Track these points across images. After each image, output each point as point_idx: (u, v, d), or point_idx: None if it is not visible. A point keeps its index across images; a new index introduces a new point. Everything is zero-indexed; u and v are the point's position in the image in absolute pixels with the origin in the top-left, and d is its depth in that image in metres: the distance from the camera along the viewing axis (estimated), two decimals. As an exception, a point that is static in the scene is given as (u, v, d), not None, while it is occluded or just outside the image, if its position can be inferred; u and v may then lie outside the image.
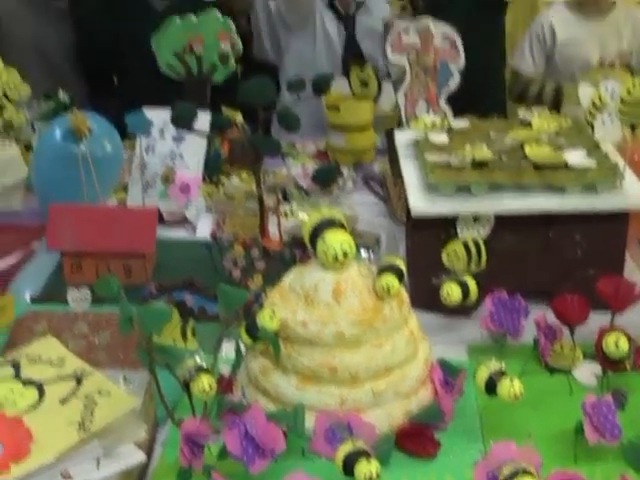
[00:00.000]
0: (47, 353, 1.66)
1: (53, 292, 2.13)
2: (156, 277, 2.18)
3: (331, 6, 3.56)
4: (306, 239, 1.63)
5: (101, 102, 3.21)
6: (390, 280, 1.59)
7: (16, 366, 1.59)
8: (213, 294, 2.04)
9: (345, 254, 1.58)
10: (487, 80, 3.40)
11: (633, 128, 2.06)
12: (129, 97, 3.13)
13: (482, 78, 3.23)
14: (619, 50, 3.62)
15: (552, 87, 3.50)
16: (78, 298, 1.95)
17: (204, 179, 2.69)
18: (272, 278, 1.88)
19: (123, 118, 2.50)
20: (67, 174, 2.36)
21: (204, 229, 2.49)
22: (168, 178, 2.60)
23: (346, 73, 2.96)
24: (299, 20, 3.56)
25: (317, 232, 1.60)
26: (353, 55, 3.41)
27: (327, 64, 3.49)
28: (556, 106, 3.35)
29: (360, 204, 2.68)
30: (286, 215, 2.48)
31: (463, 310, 1.96)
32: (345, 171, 2.80)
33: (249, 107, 2.36)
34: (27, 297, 2.12)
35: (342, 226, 1.62)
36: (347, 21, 3.57)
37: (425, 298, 1.92)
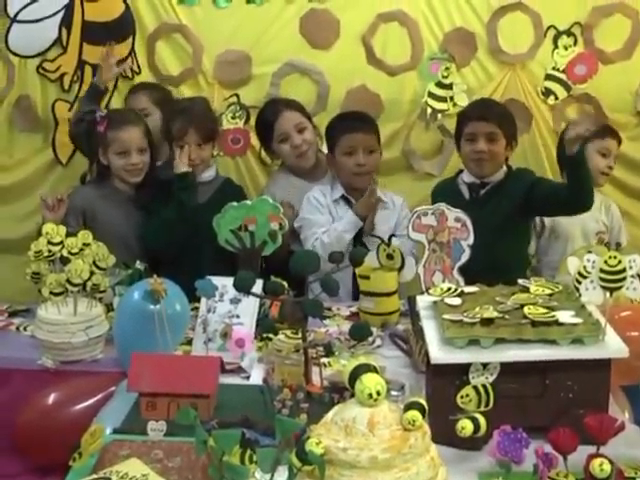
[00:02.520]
0: (133, 471, 1.79)
1: (132, 425, 2.23)
2: (217, 415, 2.26)
3: (345, 199, 3.70)
4: (346, 380, 1.75)
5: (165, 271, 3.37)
6: (415, 415, 1.70)
7: (108, 481, 1.73)
8: (265, 429, 2.15)
9: (378, 393, 1.70)
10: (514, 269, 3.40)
11: (611, 292, 2.16)
12: (185, 267, 3.38)
13: (510, 268, 3.34)
14: (597, 230, 3.78)
15: None
16: (156, 428, 2.06)
17: (256, 336, 2.80)
18: (314, 416, 2.01)
19: (185, 283, 2.68)
20: (144, 329, 2.49)
21: (256, 376, 2.59)
22: (226, 334, 2.71)
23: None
24: None
25: (356, 375, 1.72)
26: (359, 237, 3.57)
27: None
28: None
29: (387, 357, 2.76)
30: (325, 366, 2.57)
31: (475, 444, 2.05)
32: (374, 330, 2.86)
33: (295, 275, 2.54)
34: (108, 430, 2.19)
35: (376, 371, 1.75)
36: None
37: (443, 433, 1.98)
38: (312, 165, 3.87)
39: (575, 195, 3.32)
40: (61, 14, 4.09)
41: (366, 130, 3.67)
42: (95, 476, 1.78)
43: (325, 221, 3.64)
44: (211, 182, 3.76)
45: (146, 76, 4.17)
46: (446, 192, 3.58)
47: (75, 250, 2.82)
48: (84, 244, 2.83)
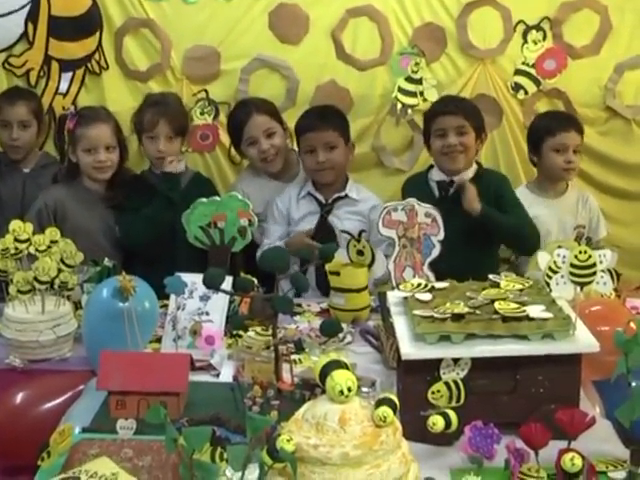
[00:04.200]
0: (102, 470, 1.77)
1: (101, 424, 2.21)
2: (187, 413, 2.26)
3: (311, 196, 3.71)
4: (317, 376, 1.75)
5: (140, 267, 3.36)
6: (386, 411, 1.70)
7: (77, 480, 1.72)
8: (235, 427, 2.16)
9: (349, 389, 1.70)
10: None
11: (581, 287, 2.17)
12: (160, 263, 3.37)
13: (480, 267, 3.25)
14: (575, 225, 3.82)
15: None
16: (125, 427, 2.05)
17: (226, 333, 2.80)
18: (285, 414, 2.01)
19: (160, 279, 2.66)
20: (113, 326, 2.48)
21: (227, 374, 2.58)
22: (196, 331, 2.71)
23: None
24: None
25: (326, 371, 1.72)
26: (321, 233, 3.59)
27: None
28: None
29: (358, 353, 2.76)
30: (296, 362, 2.57)
31: (446, 440, 2.05)
32: (345, 326, 2.83)
33: (264, 271, 2.54)
34: (77, 429, 2.16)
35: (346, 367, 1.75)
36: (323, 207, 3.70)
37: (415, 429, 1.99)
38: (279, 169, 3.86)
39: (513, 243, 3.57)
40: (27, 8, 4.03)
41: (324, 127, 3.66)
42: (64, 475, 1.77)
43: (278, 233, 3.68)
44: (182, 176, 3.76)
45: (114, 71, 4.14)
46: (416, 188, 3.58)
47: (42, 247, 2.80)
48: (51, 241, 2.82)
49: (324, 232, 3.61)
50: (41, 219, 3.50)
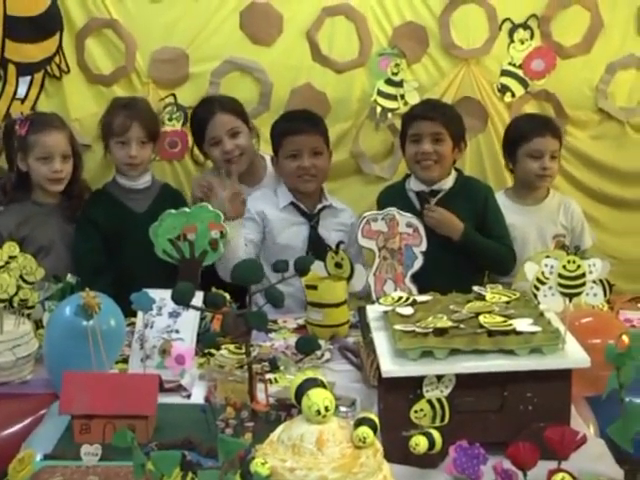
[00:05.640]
0: (66, 499, 1.81)
1: (64, 450, 2.20)
2: (157, 437, 2.26)
3: (295, 206, 3.70)
4: (292, 396, 1.78)
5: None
6: (365, 431, 1.72)
7: (38, 510, 1.73)
8: (208, 451, 2.17)
9: (327, 408, 1.72)
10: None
11: (570, 298, 2.20)
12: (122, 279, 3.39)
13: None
14: (554, 234, 3.83)
15: None
16: (90, 452, 2.06)
17: (197, 352, 2.81)
18: (260, 436, 2.01)
19: (121, 297, 2.67)
20: (76, 346, 2.47)
21: (198, 395, 2.59)
22: (165, 350, 2.70)
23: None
24: None
25: (302, 390, 1.74)
26: (315, 246, 3.60)
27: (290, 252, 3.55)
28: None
29: (337, 371, 2.77)
30: (271, 382, 2.59)
31: (430, 461, 2.06)
32: (322, 343, 2.86)
33: (236, 285, 2.54)
34: (39, 456, 2.15)
35: (324, 385, 1.77)
36: (311, 218, 3.71)
37: (397, 450, 2.00)
38: (242, 171, 3.85)
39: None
40: (-20, 7, 4.04)
41: (310, 131, 3.67)
42: (24, 506, 1.77)
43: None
44: (149, 189, 3.76)
45: (76, 75, 4.15)
46: (394, 200, 3.55)
47: (0, 263, 2.79)
48: (10, 257, 2.80)
49: (317, 247, 3.59)
50: None
